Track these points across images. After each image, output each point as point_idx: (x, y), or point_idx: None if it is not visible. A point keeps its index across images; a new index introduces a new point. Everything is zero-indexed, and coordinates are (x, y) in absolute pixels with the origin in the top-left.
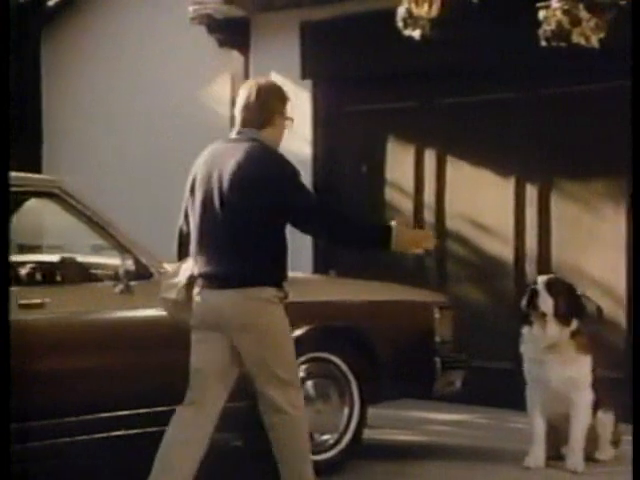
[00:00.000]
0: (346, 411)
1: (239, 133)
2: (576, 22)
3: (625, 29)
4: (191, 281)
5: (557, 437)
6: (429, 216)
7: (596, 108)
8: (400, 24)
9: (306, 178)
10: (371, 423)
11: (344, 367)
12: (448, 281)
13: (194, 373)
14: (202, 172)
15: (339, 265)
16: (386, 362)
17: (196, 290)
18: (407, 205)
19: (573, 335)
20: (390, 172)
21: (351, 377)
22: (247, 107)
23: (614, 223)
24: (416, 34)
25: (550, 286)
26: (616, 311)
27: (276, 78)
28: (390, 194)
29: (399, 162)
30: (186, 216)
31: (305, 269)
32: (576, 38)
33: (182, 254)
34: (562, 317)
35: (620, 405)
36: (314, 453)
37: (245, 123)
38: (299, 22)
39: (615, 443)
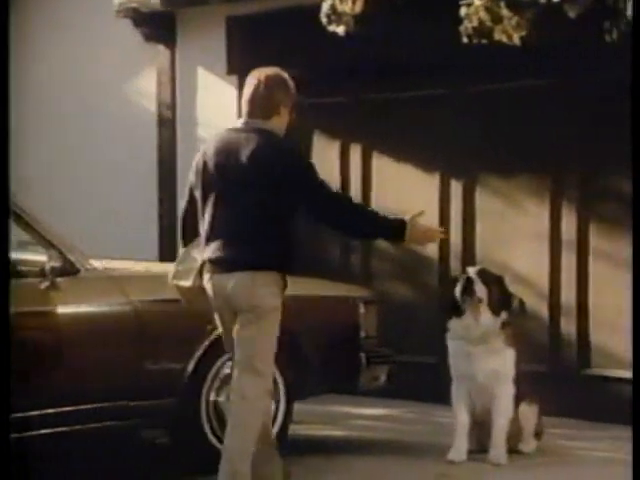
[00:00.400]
0: (272, 407)
1: (247, 123)
2: (497, 20)
3: (546, 27)
4: (203, 267)
5: (481, 431)
6: None
7: (520, 105)
8: (324, 20)
9: None
10: (297, 418)
11: None
12: (373, 276)
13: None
14: (214, 160)
15: None
16: (312, 357)
17: (206, 277)
18: None
19: (502, 327)
20: (316, 167)
21: (277, 373)
22: (254, 98)
23: (537, 218)
24: (340, 30)
25: (482, 275)
26: (539, 305)
27: (202, 73)
28: None
29: (325, 158)
30: (190, 201)
31: None
32: (498, 36)
33: (187, 238)
34: (494, 306)
35: (543, 398)
36: None
37: (252, 114)
38: (225, 17)
39: (538, 435)
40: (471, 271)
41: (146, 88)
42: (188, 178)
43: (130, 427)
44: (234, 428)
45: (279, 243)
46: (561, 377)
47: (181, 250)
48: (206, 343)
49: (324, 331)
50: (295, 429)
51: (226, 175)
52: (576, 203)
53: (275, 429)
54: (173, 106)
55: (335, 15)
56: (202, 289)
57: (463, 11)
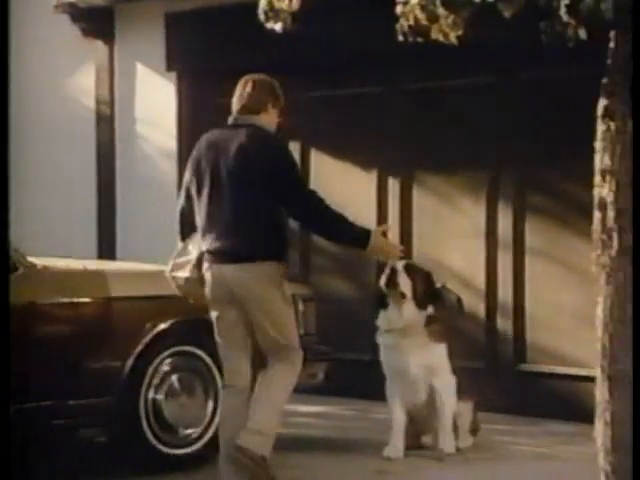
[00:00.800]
0: (210, 404)
1: (236, 119)
2: (433, 19)
3: (482, 27)
4: (200, 259)
5: (417, 427)
6: None
7: (456, 104)
8: (262, 17)
9: (171, 171)
10: None
11: (208, 360)
12: (311, 273)
13: (219, 346)
14: (207, 156)
15: None
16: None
17: (205, 266)
18: None
19: (429, 322)
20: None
21: (215, 370)
22: (243, 96)
23: (473, 216)
24: (278, 27)
25: (408, 268)
26: (475, 302)
27: (141, 69)
28: None
29: None
30: (187, 197)
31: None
32: (434, 34)
33: (184, 232)
34: (419, 300)
35: (479, 394)
36: (178, 447)
37: (241, 110)
38: (164, 13)
39: (473, 431)
40: (398, 264)
41: (85, 84)
42: (184, 176)
43: (69, 426)
44: (266, 404)
45: (274, 233)
46: (497, 373)
47: (179, 244)
48: (145, 341)
49: None
50: None
51: (219, 169)
52: (512, 201)
53: (213, 427)
54: (112, 102)
55: (272, 12)
56: (199, 281)
57: (399, 9)
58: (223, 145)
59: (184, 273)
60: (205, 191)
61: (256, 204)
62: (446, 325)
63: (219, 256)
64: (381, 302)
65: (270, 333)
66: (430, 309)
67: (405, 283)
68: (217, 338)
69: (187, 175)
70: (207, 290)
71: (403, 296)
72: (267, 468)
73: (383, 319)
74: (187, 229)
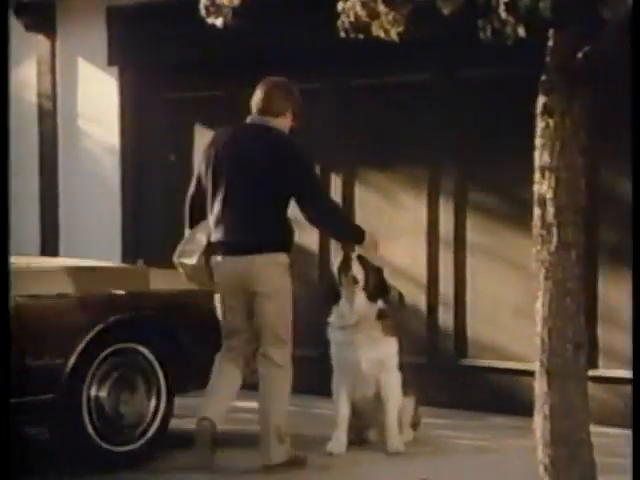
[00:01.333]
0: (153, 401)
1: (255, 120)
2: (374, 15)
3: (423, 24)
4: (208, 248)
5: (361, 422)
6: None
7: (397, 100)
8: (203, 12)
9: (114, 166)
10: (178, 412)
11: (151, 357)
12: None
13: (223, 325)
14: (226, 150)
15: (147, 255)
16: (193, 351)
17: (218, 257)
18: None
19: (380, 316)
20: (198, 161)
21: (158, 367)
22: (264, 100)
23: (415, 212)
24: (219, 22)
25: (360, 260)
26: (417, 297)
27: (82, 64)
28: None
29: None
30: (199, 187)
31: (114, 258)
32: (375, 31)
33: (193, 220)
34: (370, 291)
35: (420, 389)
36: (121, 444)
37: (261, 112)
38: (105, 7)
39: (414, 426)
40: (350, 254)
41: (26, 79)
42: (197, 166)
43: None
44: (274, 391)
45: (285, 227)
46: (438, 368)
47: (187, 231)
48: (88, 338)
49: (205, 325)
50: (176, 423)
51: (236, 164)
52: (453, 197)
53: (156, 424)
54: (54, 98)
55: (213, 7)
56: (204, 268)
57: (340, 6)
58: (242, 143)
59: (191, 260)
60: (221, 185)
61: (270, 201)
62: (396, 320)
63: (232, 247)
64: (333, 296)
65: (271, 323)
66: (380, 302)
67: (358, 270)
68: (221, 318)
69: (202, 166)
70: (216, 278)
71: (355, 281)
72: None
73: (335, 314)
74: (196, 217)
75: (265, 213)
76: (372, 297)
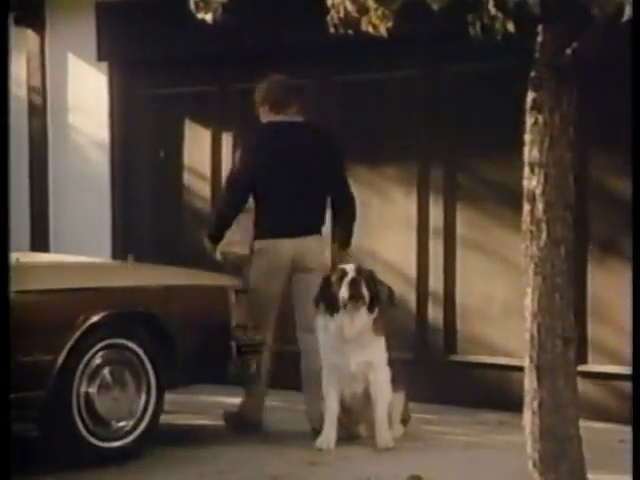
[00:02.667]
0: (143, 397)
1: (285, 117)
2: (363, 11)
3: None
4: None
5: (351, 418)
6: None
7: (387, 95)
8: (192, 7)
9: (104, 161)
10: (168, 408)
11: (141, 353)
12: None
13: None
14: (272, 144)
15: (137, 250)
16: (182, 347)
17: (269, 240)
18: (205, 190)
19: (374, 320)
20: (188, 156)
21: (148, 363)
22: (283, 98)
23: (404, 207)
24: (208, 18)
25: (359, 273)
26: (406, 293)
27: (72, 59)
28: (188, 178)
29: (197, 146)
30: (247, 181)
31: (104, 254)
32: (365, 27)
33: (237, 212)
34: (370, 306)
35: (410, 385)
36: (111, 440)
37: (287, 111)
38: (95, 2)
39: (404, 421)
40: (349, 270)
41: (16, 74)
42: (243, 161)
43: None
44: (315, 356)
45: (326, 212)
46: (428, 363)
47: (235, 223)
48: (77, 334)
49: (195, 320)
50: (166, 419)
51: (285, 156)
52: (443, 192)
53: (146, 420)
54: (44, 93)
55: (203, 2)
56: (249, 256)
57: (329, 1)
58: (285, 137)
59: (243, 250)
60: (276, 174)
61: (317, 186)
62: (385, 318)
63: (287, 230)
64: (330, 308)
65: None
66: (376, 310)
67: (365, 293)
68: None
69: (249, 158)
70: (263, 262)
71: (363, 304)
72: None
73: (330, 325)
74: (239, 209)
75: (315, 198)
76: (371, 309)
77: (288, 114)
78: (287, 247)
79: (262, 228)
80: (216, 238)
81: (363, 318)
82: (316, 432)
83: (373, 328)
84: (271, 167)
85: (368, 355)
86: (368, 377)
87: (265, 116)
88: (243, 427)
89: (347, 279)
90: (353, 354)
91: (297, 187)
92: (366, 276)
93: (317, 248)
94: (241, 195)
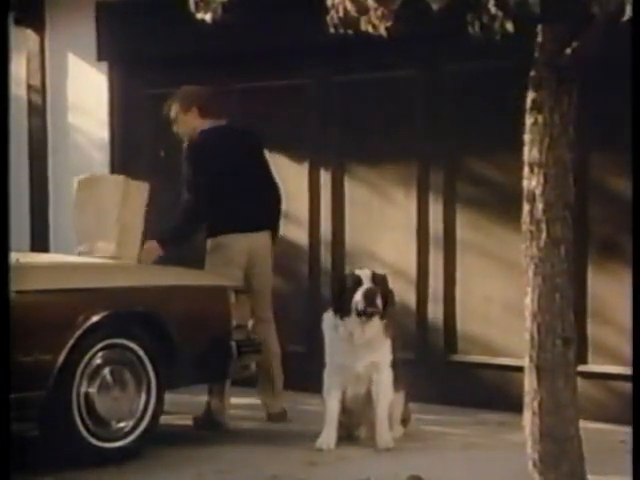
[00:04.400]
0: (143, 397)
1: (216, 122)
2: (363, 10)
3: (412, 19)
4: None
5: (350, 419)
6: None
7: (387, 95)
8: (192, 7)
9: (103, 161)
10: (168, 408)
11: (141, 353)
12: None
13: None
14: (216, 149)
15: None
16: (183, 347)
17: (224, 236)
18: None
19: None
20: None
21: (148, 363)
22: (208, 106)
23: (404, 208)
24: (208, 17)
25: (375, 281)
26: (407, 293)
27: (72, 59)
28: None
29: None
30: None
31: None
32: (364, 26)
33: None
34: (382, 313)
35: (410, 385)
36: (111, 440)
37: (216, 116)
38: (95, 2)
39: (404, 422)
40: (365, 278)
41: (16, 74)
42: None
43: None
44: (271, 344)
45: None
46: (428, 364)
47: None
48: (77, 334)
49: (195, 320)
50: (166, 419)
51: (227, 159)
52: (442, 193)
53: (146, 420)
54: (44, 92)
55: (203, 2)
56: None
57: (329, 1)
58: (225, 140)
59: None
60: (223, 179)
61: (258, 185)
62: (392, 319)
63: (242, 226)
64: (341, 311)
65: (266, 292)
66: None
67: (380, 301)
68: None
69: (198, 168)
70: (218, 257)
71: (377, 313)
72: None
73: (342, 329)
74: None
75: (260, 197)
76: (383, 316)
77: (216, 119)
78: (242, 242)
79: (215, 227)
80: (165, 244)
81: (375, 325)
82: (272, 417)
83: (383, 331)
84: (218, 171)
85: (375, 357)
86: (372, 377)
87: (191, 122)
88: (210, 427)
89: (363, 288)
90: (361, 356)
91: (242, 186)
92: (380, 283)
93: (267, 243)
94: (198, 218)
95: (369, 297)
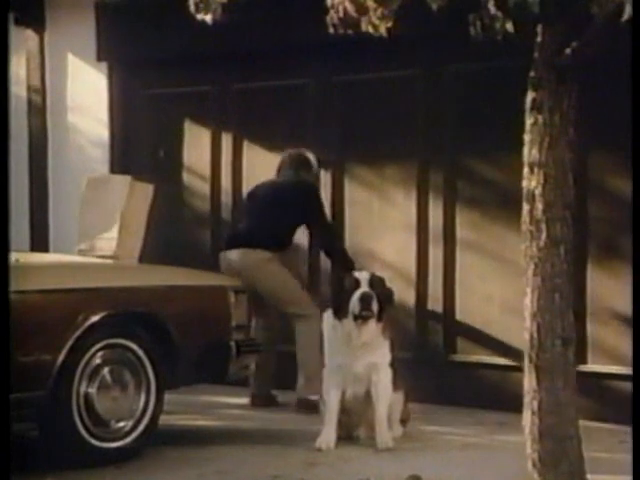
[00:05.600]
0: (143, 397)
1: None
2: (363, 11)
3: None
4: None
5: (350, 419)
6: (226, 199)
7: (386, 95)
8: (192, 7)
9: (103, 161)
10: (167, 409)
11: (141, 353)
12: None
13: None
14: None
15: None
16: (182, 347)
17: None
18: (204, 189)
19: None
20: (187, 156)
21: (148, 363)
22: None
23: (404, 208)
24: (208, 18)
25: (372, 283)
26: (406, 293)
27: (72, 59)
28: (188, 178)
29: (196, 146)
30: None
31: None
32: (364, 26)
33: None
34: (379, 316)
35: (410, 385)
36: (110, 440)
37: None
38: (94, 2)
39: (404, 421)
40: (363, 280)
41: (16, 74)
42: None
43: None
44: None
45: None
46: (427, 363)
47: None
48: (77, 334)
49: (195, 320)
50: (166, 419)
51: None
52: (442, 193)
53: (145, 420)
54: (43, 92)
55: (203, 3)
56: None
57: (329, 1)
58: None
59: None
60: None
61: None
62: (391, 320)
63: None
64: (338, 312)
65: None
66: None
67: (375, 305)
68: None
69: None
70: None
71: (372, 317)
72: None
73: (340, 330)
74: None
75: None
76: (380, 318)
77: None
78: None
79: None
80: None
81: (371, 328)
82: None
83: (381, 332)
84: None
85: (374, 357)
86: (371, 378)
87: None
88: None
89: (359, 292)
90: (360, 356)
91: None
92: (378, 286)
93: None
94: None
95: (364, 301)
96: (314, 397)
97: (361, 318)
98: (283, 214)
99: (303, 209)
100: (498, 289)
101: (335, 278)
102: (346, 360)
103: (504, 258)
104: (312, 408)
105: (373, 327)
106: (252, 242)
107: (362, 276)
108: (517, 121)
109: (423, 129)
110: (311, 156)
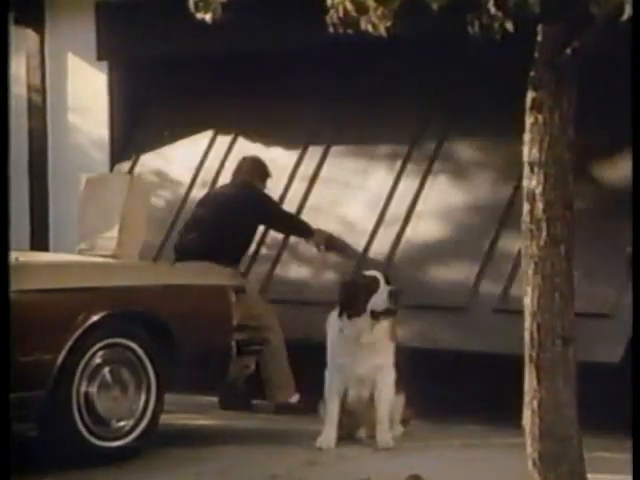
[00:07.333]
0: (143, 397)
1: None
2: (362, 10)
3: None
4: None
5: (351, 420)
6: None
7: (388, 95)
8: (192, 7)
9: (103, 161)
10: (167, 408)
11: (141, 353)
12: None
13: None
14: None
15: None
16: (183, 347)
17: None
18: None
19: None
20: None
21: (148, 363)
22: None
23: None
24: (208, 17)
25: (392, 288)
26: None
27: (72, 58)
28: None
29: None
30: None
31: None
32: (364, 26)
33: None
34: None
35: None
36: (110, 440)
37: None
38: (94, 2)
39: (404, 422)
40: (381, 280)
41: (16, 73)
42: None
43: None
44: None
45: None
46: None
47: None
48: (77, 334)
49: (195, 320)
50: (166, 419)
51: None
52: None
53: (145, 420)
54: (43, 92)
55: (202, 2)
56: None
57: (329, 1)
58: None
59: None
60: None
61: None
62: (396, 322)
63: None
64: (350, 312)
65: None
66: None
67: (387, 303)
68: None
69: None
70: None
71: (393, 315)
72: None
73: (348, 330)
74: None
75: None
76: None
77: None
78: None
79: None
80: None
81: (383, 326)
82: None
83: (388, 333)
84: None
85: (379, 359)
86: (375, 379)
87: None
88: None
89: (387, 289)
90: (365, 358)
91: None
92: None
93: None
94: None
95: (393, 297)
96: (293, 400)
97: (385, 314)
98: (236, 227)
99: (253, 216)
100: None
101: (349, 279)
102: (350, 360)
103: None
104: (294, 410)
105: (385, 326)
106: (207, 256)
107: (379, 275)
108: (517, 120)
109: (423, 128)
110: (265, 163)
